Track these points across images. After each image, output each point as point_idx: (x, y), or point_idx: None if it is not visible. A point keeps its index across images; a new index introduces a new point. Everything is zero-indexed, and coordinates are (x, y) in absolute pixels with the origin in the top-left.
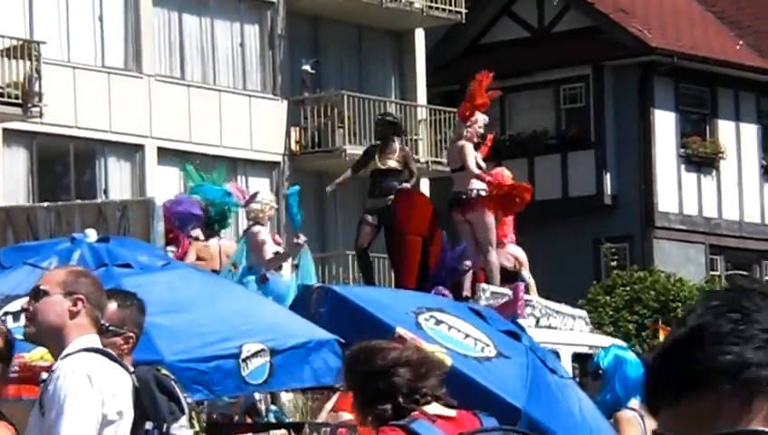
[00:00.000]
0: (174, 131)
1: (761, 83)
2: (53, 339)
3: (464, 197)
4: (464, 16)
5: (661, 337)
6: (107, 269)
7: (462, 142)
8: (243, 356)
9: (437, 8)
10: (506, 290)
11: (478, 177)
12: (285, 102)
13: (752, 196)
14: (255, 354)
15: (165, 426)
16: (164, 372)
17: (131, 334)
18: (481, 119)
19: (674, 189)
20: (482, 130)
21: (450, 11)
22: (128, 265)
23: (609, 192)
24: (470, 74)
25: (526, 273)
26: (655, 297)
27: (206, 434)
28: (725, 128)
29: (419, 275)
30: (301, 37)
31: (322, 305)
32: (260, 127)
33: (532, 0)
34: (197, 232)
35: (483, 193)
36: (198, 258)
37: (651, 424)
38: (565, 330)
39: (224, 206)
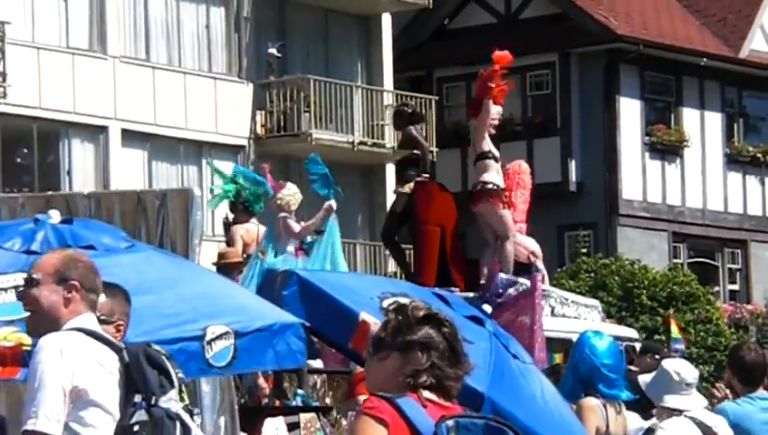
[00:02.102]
0: (138, 113)
1: (725, 72)
2: (52, 329)
3: (473, 190)
4: (431, 1)
5: (673, 329)
6: None
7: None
8: (207, 338)
9: None
10: (524, 280)
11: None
12: (251, 86)
13: (715, 184)
14: (220, 337)
15: (153, 398)
16: (155, 347)
17: (122, 323)
18: (494, 110)
19: (638, 177)
20: (496, 122)
21: None
22: (91, 247)
23: (573, 179)
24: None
25: (540, 263)
26: (619, 284)
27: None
28: (690, 116)
29: (438, 265)
30: (267, 20)
31: (286, 289)
32: (225, 110)
33: None
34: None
35: (489, 186)
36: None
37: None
38: (579, 319)
39: (256, 187)
